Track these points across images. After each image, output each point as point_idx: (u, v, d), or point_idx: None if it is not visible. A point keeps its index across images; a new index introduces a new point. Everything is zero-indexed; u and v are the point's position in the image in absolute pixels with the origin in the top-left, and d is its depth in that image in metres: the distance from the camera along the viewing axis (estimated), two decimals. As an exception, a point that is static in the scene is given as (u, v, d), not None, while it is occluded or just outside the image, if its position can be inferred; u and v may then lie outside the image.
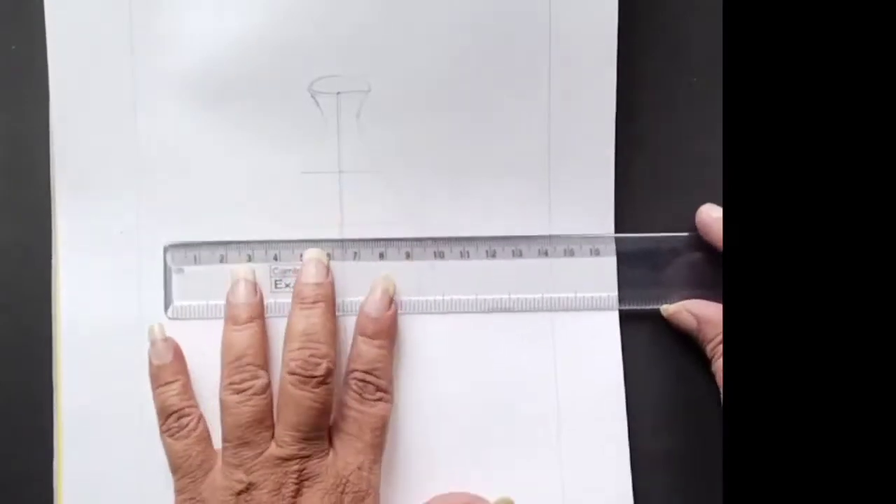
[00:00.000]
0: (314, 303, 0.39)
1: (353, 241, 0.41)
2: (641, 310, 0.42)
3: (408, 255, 0.42)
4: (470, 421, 0.41)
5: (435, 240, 0.42)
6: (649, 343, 0.43)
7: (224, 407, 0.38)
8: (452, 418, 0.41)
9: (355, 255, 0.41)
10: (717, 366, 0.41)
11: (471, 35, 0.41)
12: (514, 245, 0.42)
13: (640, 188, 0.43)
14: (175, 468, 0.39)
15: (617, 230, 0.42)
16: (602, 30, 0.41)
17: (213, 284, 0.41)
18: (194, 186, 0.41)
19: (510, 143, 0.42)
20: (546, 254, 0.42)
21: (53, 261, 0.41)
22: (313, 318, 0.39)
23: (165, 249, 0.41)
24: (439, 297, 0.42)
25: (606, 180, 0.42)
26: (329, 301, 0.40)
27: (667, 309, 0.42)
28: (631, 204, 0.42)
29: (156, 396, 0.40)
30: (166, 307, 0.41)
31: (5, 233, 0.42)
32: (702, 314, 0.41)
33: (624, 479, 0.41)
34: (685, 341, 0.42)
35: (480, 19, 0.41)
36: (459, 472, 0.41)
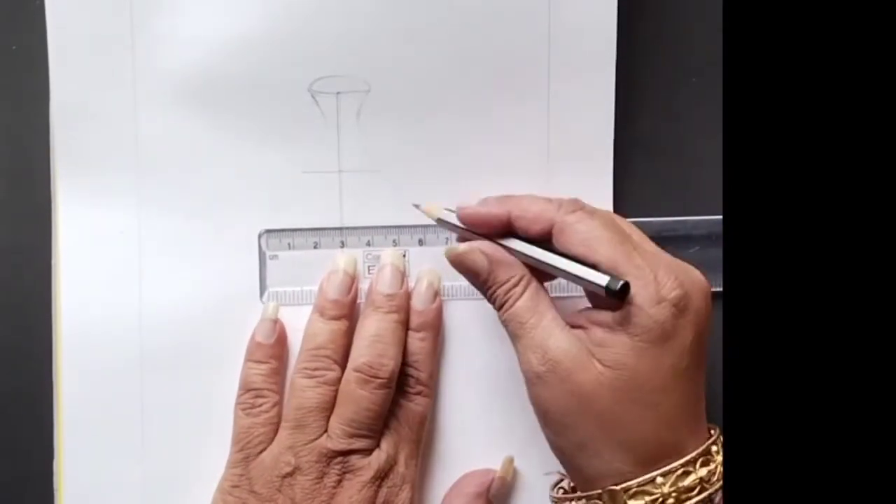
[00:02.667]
0: (387, 312, 0.40)
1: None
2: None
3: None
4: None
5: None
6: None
7: (293, 388, 0.39)
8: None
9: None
10: (515, 312, 0.36)
11: (471, 35, 0.41)
12: None
13: (639, 188, 0.43)
14: (235, 440, 0.40)
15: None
16: (601, 30, 0.41)
17: (307, 270, 0.41)
18: (194, 186, 0.41)
19: (510, 142, 0.42)
20: None
21: (53, 261, 0.41)
22: (385, 322, 0.39)
23: (260, 235, 0.41)
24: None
25: (605, 180, 0.42)
26: (402, 311, 0.40)
27: (453, 249, 0.38)
28: (631, 204, 0.42)
29: (244, 368, 0.40)
30: (261, 293, 0.41)
31: (5, 233, 0.42)
32: (493, 254, 0.37)
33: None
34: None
35: (480, 19, 0.41)
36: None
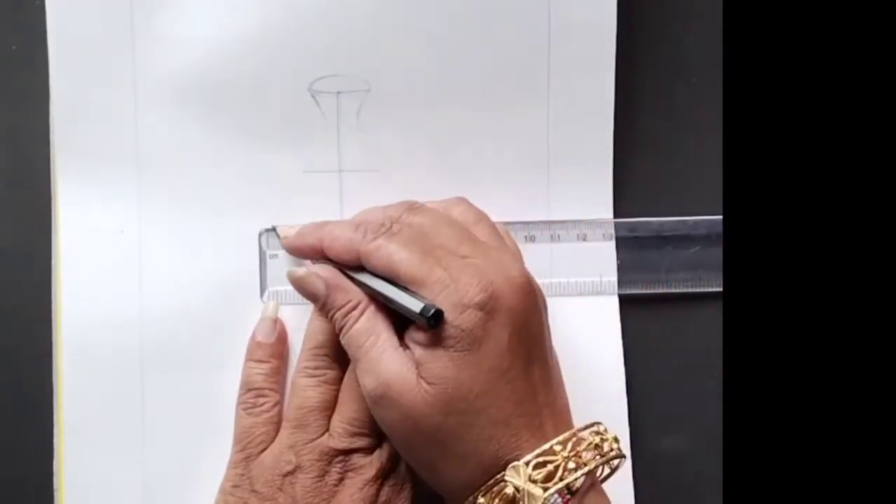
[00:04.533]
0: None
1: None
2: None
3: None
4: None
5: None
6: (649, 330, 0.43)
7: (294, 388, 0.39)
8: None
9: None
10: (352, 335, 0.37)
11: (471, 35, 0.41)
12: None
13: (639, 188, 0.43)
14: (237, 440, 0.39)
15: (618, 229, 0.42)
16: (601, 30, 0.41)
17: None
18: (194, 186, 0.41)
19: (510, 142, 0.42)
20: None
21: (53, 261, 0.41)
22: None
23: (260, 234, 0.41)
24: None
25: (606, 180, 0.42)
26: None
27: (293, 273, 0.39)
28: (631, 203, 0.42)
29: (245, 368, 0.40)
30: (262, 292, 0.41)
31: (5, 233, 0.42)
32: (330, 279, 0.38)
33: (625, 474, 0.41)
34: (685, 336, 0.43)
35: (481, 19, 0.41)
36: None
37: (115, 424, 0.41)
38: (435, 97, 0.41)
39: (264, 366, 0.40)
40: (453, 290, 0.34)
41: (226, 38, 0.41)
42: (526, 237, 0.42)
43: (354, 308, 0.37)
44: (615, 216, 0.42)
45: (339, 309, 0.37)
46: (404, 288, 0.35)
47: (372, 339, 0.36)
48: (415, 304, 0.34)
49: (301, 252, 0.39)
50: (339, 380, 0.39)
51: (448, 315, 0.34)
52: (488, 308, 0.34)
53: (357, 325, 0.36)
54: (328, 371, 0.39)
